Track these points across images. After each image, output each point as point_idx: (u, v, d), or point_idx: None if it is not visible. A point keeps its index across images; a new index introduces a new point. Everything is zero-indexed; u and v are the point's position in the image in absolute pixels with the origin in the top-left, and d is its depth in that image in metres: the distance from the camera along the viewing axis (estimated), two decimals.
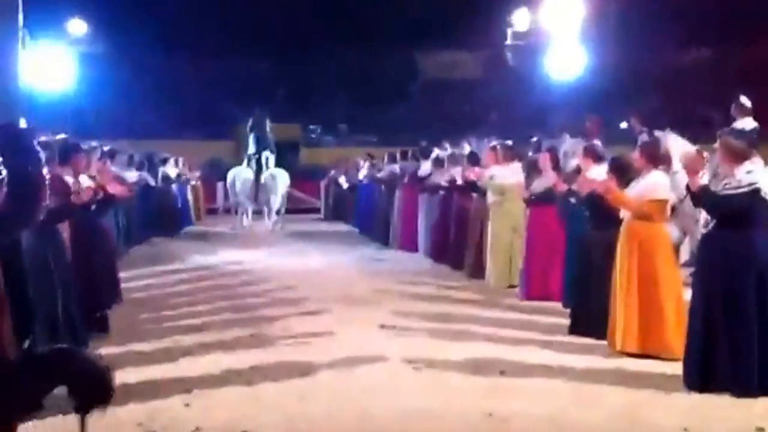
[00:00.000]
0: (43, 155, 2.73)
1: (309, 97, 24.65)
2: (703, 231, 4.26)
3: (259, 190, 14.20)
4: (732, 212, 4.10)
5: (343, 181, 15.81)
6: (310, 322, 6.01)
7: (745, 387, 4.04)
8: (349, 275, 8.77)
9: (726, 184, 4.12)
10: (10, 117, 2.73)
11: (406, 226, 10.80)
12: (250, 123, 15.16)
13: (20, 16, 2.82)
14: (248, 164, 14.62)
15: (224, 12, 23.01)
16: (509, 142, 7.95)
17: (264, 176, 14.27)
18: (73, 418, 2.65)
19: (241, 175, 14.46)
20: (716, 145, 4.31)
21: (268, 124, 15.09)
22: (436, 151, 10.39)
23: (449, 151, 10.39)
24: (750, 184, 4.05)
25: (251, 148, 14.73)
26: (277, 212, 14.67)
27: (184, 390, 4.25)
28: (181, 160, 15.39)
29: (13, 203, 2.33)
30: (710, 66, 21.57)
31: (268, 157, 14.54)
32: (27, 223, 2.50)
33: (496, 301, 6.89)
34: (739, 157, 4.16)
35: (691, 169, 4.29)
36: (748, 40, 20.50)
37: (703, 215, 4.31)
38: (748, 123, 7.03)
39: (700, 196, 4.19)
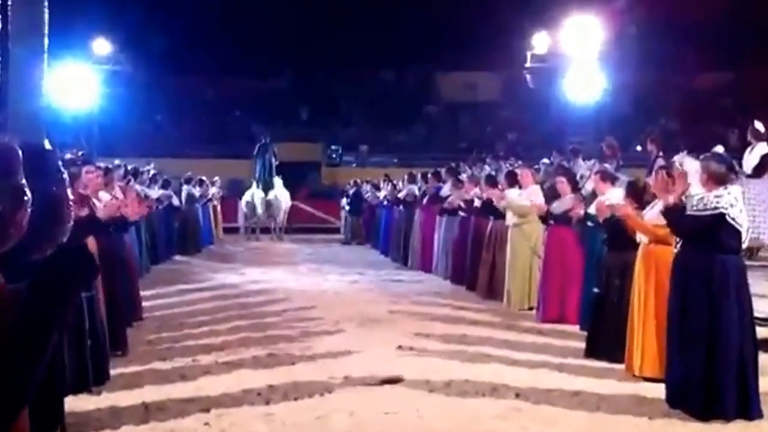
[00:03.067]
0: (66, 176, 2.80)
1: (330, 117, 24.91)
2: (674, 251, 4.35)
3: (266, 207, 16.66)
4: (695, 233, 4.18)
5: (344, 203, 16.28)
6: (328, 342, 6.06)
7: (711, 408, 4.07)
8: (367, 295, 8.81)
9: (694, 206, 4.20)
10: (35, 136, 2.79)
11: (424, 247, 10.84)
12: (255, 150, 17.37)
13: (45, 39, 2.91)
14: (257, 186, 16.85)
15: (247, 33, 23.43)
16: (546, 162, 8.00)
17: (269, 196, 16.64)
18: None
19: (253, 195, 16.68)
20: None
21: (274, 151, 17.28)
22: (468, 171, 10.44)
23: (468, 172, 10.44)
24: (715, 208, 4.13)
25: (257, 173, 17.08)
26: (280, 227, 17.13)
27: (203, 409, 4.30)
28: (206, 180, 15.69)
29: (37, 225, 2.38)
30: (727, 90, 21.55)
31: (273, 179, 16.96)
32: (51, 245, 2.55)
33: (513, 323, 6.88)
34: (718, 181, 4.23)
35: (661, 188, 4.37)
36: (765, 64, 20.54)
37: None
38: (763, 148, 7.03)
39: (665, 214, 4.30)
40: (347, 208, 16.35)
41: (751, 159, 7.20)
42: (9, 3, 2.66)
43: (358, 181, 17.56)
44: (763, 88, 19.65)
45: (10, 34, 2.67)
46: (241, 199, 19.10)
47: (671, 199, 4.32)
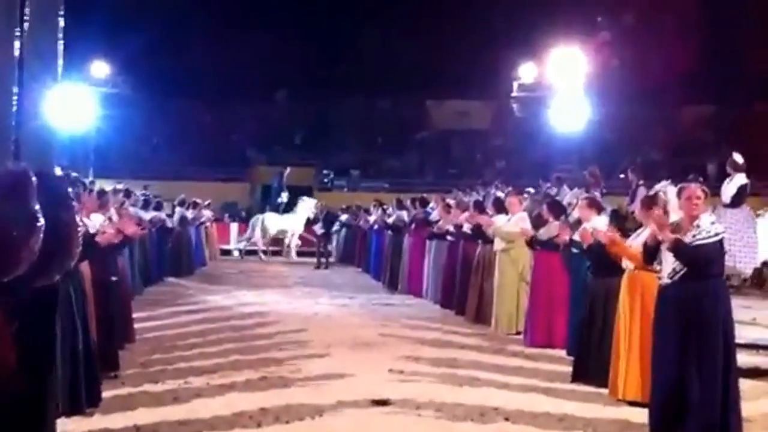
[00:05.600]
0: (75, 202, 2.87)
1: (323, 142, 25.12)
2: (667, 281, 4.36)
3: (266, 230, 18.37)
4: (701, 261, 4.25)
5: (318, 228, 16.53)
6: (319, 365, 6.12)
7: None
8: (357, 319, 8.88)
9: (695, 235, 4.27)
10: (45, 163, 2.87)
11: (413, 272, 10.94)
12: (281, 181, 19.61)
13: (60, 60, 3.01)
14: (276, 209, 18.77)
15: (242, 57, 23.70)
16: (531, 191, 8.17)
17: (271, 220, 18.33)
18: None
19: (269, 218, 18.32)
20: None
21: (280, 179, 19.31)
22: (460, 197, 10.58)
23: (460, 197, 10.60)
24: (717, 234, 4.26)
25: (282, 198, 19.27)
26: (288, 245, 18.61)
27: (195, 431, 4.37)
28: (200, 202, 15.81)
29: (48, 250, 2.44)
30: (708, 123, 22.09)
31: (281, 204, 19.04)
32: (61, 270, 2.60)
33: (501, 347, 6.98)
34: (705, 204, 4.38)
35: (661, 224, 4.43)
36: (743, 101, 21.21)
37: (666, 266, 4.37)
38: (741, 179, 7.25)
39: (676, 249, 4.29)
40: (319, 232, 16.48)
41: (729, 189, 7.41)
42: (23, 32, 2.76)
43: (324, 203, 17.97)
44: (740, 123, 20.25)
45: (25, 60, 2.77)
46: (234, 221, 19.81)
47: (669, 234, 4.33)
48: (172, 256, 13.05)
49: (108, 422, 4.49)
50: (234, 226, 20.49)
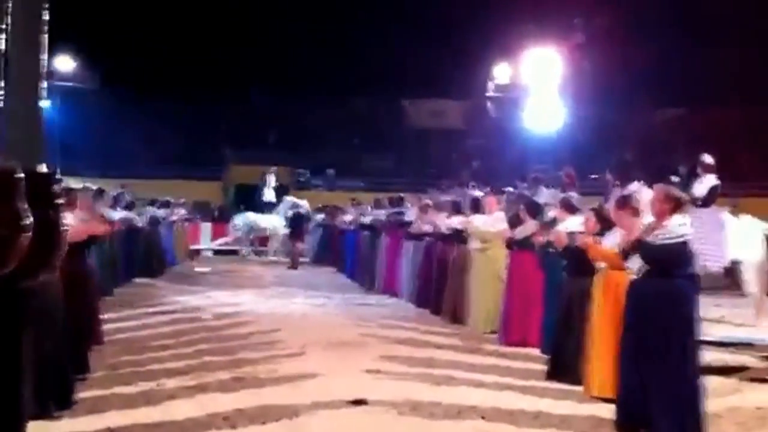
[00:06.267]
0: (61, 201, 2.79)
1: (299, 141, 25.00)
2: (634, 278, 4.52)
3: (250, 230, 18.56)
4: (664, 261, 4.36)
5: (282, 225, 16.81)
6: (295, 366, 6.07)
7: (656, 428, 4.23)
8: (333, 319, 8.84)
9: (659, 235, 4.39)
10: (32, 161, 2.79)
11: (390, 272, 10.93)
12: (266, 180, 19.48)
13: (45, 55, 2.92)
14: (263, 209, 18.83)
15: (215, 53, 23.47)
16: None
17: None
18: None
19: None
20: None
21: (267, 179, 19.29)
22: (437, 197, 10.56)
23: (437, 197, 10.60)
24: (681, 235, 4.35)
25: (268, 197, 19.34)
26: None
27: None
28: (171, 201, 15.61)
29: (36, 248, 2.39)
30: (679, 125, 22.55)
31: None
32: (48, 268, 2.55)
33: (477, 346, 7.00)
34: (677, 206, 4.46)
35: (624, 227, 4.66)
36: (714, 102, 21.73)
37: (635, 263, 4.54)
38: (711, 180, 7.38)
39: (638, 248, 4.48)
40: (287, 231, 16.41)
41: (699, 190, 7.53)
42: (7, 26, 2.68)
43: (298, 201, 17.88)
44: (713, 124, 20.70)
45: (9, 55, 2.69)
46: (206, 221, 19.68)
47: (635, 234, 4.52)
48: (142, 256, 12.85)
49: (78, 425, 4.39)
50: (207, 226, 20.27)
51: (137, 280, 12.23)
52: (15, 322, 2.40)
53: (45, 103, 3.00)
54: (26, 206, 2.07)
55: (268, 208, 18.78)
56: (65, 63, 18.73)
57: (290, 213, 17.06)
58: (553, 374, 5.61)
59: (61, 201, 2.74)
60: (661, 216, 4.46)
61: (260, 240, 18.69)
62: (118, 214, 11.19)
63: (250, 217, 18.32)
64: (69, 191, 6.49)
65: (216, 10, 23.25)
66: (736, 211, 8.88)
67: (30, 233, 2.07)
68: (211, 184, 23.72)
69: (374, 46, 23.02)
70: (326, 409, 4.85)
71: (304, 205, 17.63)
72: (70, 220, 5.50)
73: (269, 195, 19.22)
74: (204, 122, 24.84)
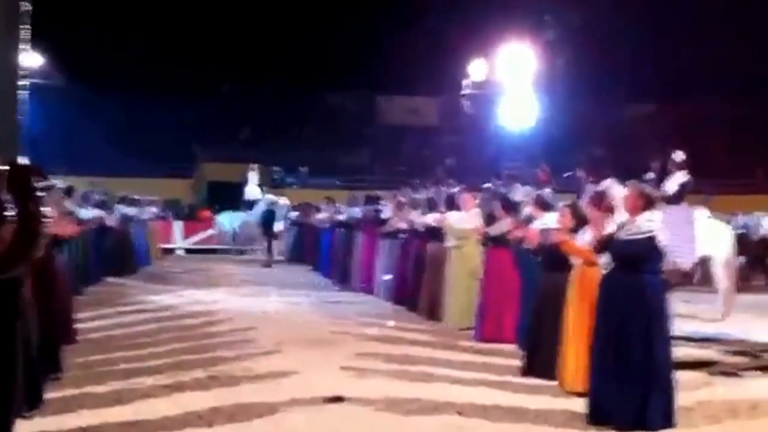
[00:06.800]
0: (42, 194, 2.76)
1: (271, 138, 24.82)
2: (604, 272, 4.63)
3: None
4: (631, 256, 4.46)
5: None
6: (270, 363, 6.04)
7: (625, 422, 4.31)
8: (309, 317, 8.82)
9: (628, 231, 4.49)
10: (12, 153, 2.77)
11: (366, 269, 10.93)
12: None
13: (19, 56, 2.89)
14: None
15: (189, 51, 23.20)
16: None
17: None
18: None
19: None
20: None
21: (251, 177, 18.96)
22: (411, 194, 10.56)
23: (411, 195, 10.61)
24: (648, 231, 4.44)
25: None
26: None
27: None
28: (141, 199, 15.39)
29: (18, 240, 2.37)
30: (650, 120, 22.93)
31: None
32: (29, 259, 2.53)
33: (453, 343, 7.04)
34: (649, 204, 4.54)
35: (598, 224, 4.77)
36: (684, 98, 22.15)
37: (604, 258, 4.65)
38: (681, 176, 7.52)
39: (606, 243, 4.59)
40: (261, 229, 16.35)
41: (670, 186, 7.66)
42: None
43: (272, 197, 17.80)
44: (683, 120, 21.10)
45: None
46: (178, 219, 19.39)
47: (604, 229, 4.64)
48: (114, 255, 12.67)
49: (50, 425, 4.33)
50: (178, 224, 20.03)
51: (109, 279, 12.06)
52: (8, 313, 2.37)
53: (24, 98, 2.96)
54: (8, 198, 2.05)
55: (250, 206, 18.47)
56: (32, 60, 18.33)
57: (265, 209, 16.96)
58: (528, 370, 5.67)
59: (41, 193, 2.72)
60: (633, 213, 4.54)
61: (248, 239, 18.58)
62: (88, 213, 11.01)
63: (234, 216, 18.23)
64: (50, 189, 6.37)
65: (186, 5, 22.97)
66: (707, 207, 9.06)
67: (11, 225, 2.05)
68: (182, 182, 23.43)
69: (348, 43, 22.98)
70: (303, 406, 4.84)
71: (283, 202, 17.51)
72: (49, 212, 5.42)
73: (253, 192, 18.83)
74: (174, 119, 24.51)
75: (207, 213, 20.41)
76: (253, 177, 19.18)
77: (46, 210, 2.72)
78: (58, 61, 19.59)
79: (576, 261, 5.30)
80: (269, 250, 16.15)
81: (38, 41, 18.42)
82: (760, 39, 19.21)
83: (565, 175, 8.84)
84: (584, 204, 5.43)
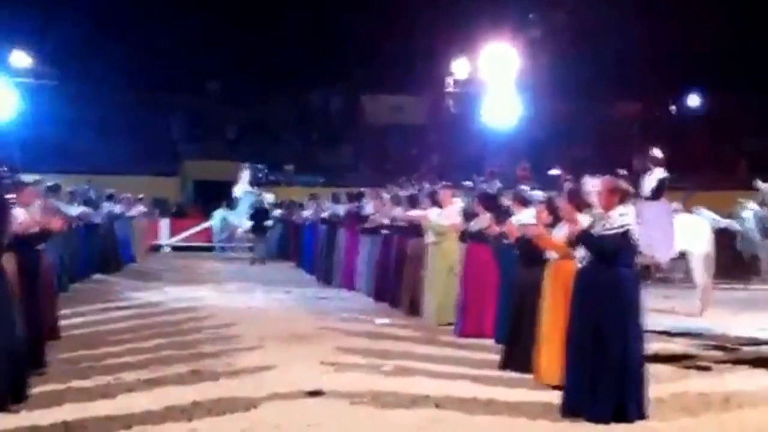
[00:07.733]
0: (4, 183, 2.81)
1: (256, 136, 24.81)
2: (579, 266, 4.72)
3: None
4: (606, 250, 4.55)
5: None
6: (252, 358, 6.10)
7: (598, 414, 4.42)
8: (291, 313, 8.88)
9: (602, 225, 4.60)
10: None
11: (348, 266, 11.00)
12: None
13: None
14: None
15: (174, 49, 23.12)
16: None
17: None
18: None
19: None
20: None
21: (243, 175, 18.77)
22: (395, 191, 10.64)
23: (393, 192, 10.69)
24: (622, 226, 4.54)
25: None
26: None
27: (125, 426, 4.29)
28: (127, 196, 15.37)
29: None
30: (635, 119, 23.14)
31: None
32: None
33: (433, 338, 7.13)
34: (622, 197, 4.65)
35: (570, 219, 4.87)
36: (668, 96, 22.39)
37: (579, 252, 4.75)
38: (660, 172, 7.64)
39: (581, 238, 4.68)
40: (250, 226, 16.38)
41: (649, 182, 7.77)
42: None
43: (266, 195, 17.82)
44: (666, 119, 21.35)
45: None
46: (164, 217, 19.39)
47: (576, 225, 4.74)
48: (100, 252, 12.66)
49: (35, 419, 4.38)
50: (165, 222, 19.98)
51: (95, 276, 12.05)
52: None
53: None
54: None
55: (238, 205, 18.48)
56: (21, 59, 18.24)
57: (253, 207, 16.97)
58: (506, 363, 5.76)
59: (6, 182, 2.76)
60: (608, 207, 4.64)
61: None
62: (75, 210, 11.02)
63: (225, 214, 18.30)
64: (21, 185, 6.41)
65: (172, 4, 22.89)
66: (688, 204, 9.20)
67: None
68: (168, 180, 23.37)
69: (333, 41, 23.00)
70: (283, 400, 4.90)
71: (270, 199, 17.51)
72: (18, 213, 5.45)
73: (244, 191, 18.78)
74: (159, 117, 24.44)
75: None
76: (244, 176, 19.08)
77: (13, 203, 2.77)
78: (47, 59, 19.49)
79: (552, 255, 5.40)
80: (260, 247, 16.18)
81: (26, 40, 18.35)
82: (745, 34, 19.46)
83: (549, 172, 8.95)
84: (560, 200, 5.53)
